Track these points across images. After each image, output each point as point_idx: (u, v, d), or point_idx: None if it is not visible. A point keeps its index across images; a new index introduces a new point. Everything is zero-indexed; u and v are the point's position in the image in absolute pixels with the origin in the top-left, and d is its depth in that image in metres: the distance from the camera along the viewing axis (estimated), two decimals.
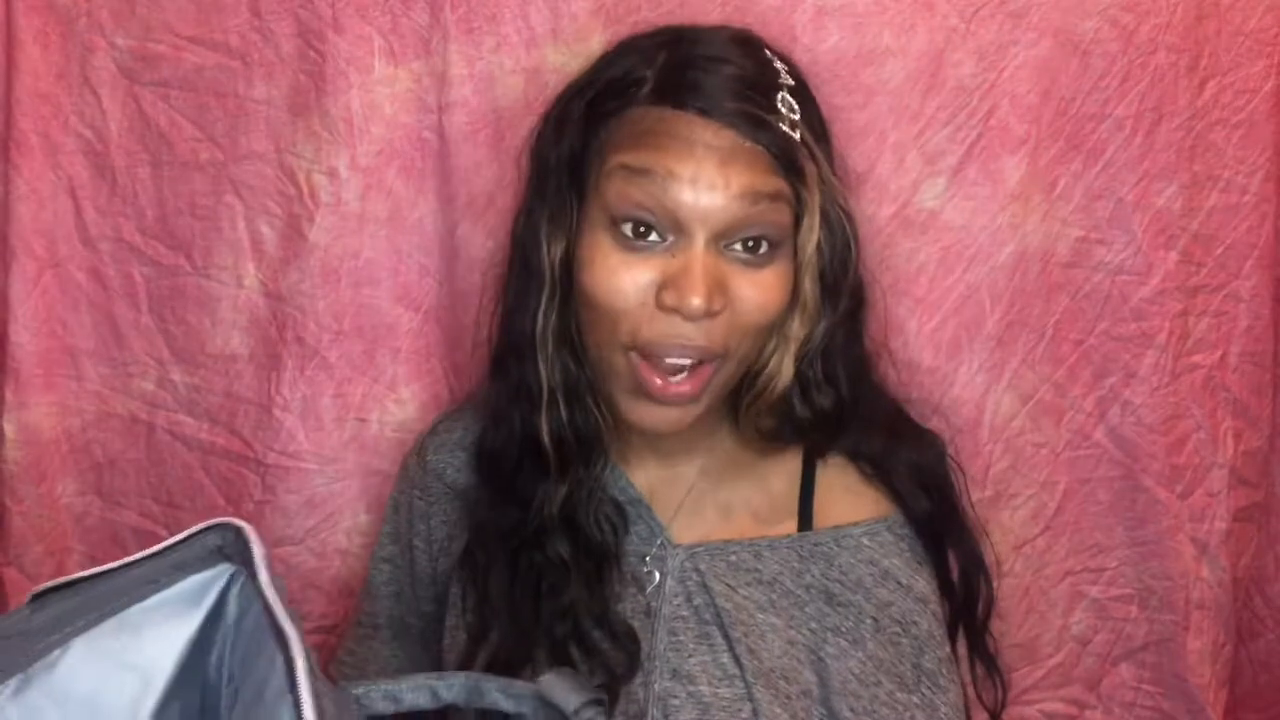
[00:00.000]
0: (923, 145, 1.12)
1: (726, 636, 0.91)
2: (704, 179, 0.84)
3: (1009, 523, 1.18)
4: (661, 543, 0.96)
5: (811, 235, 0.89)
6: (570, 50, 1.10)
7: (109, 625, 0.60)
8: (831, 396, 0.97)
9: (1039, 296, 1.15)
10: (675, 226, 0.85)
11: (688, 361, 0.87)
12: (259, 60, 1.11)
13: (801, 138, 0.88)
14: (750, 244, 0.87)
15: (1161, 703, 1.22)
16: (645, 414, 0.90)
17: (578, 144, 0.91)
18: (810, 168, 0.88)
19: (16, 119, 1.10)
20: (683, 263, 0.85)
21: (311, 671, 0.55)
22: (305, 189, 1.12)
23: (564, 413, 0.93)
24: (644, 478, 0.99)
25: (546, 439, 0.93)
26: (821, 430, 0.97)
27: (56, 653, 0.59)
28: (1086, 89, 1.13)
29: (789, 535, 0.95)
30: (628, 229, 0.86)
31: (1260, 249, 1.16)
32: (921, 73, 1.11)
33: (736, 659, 0.90)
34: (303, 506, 1.15)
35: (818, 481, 0.98)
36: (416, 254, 1.14)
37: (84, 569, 1.15)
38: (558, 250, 0.91)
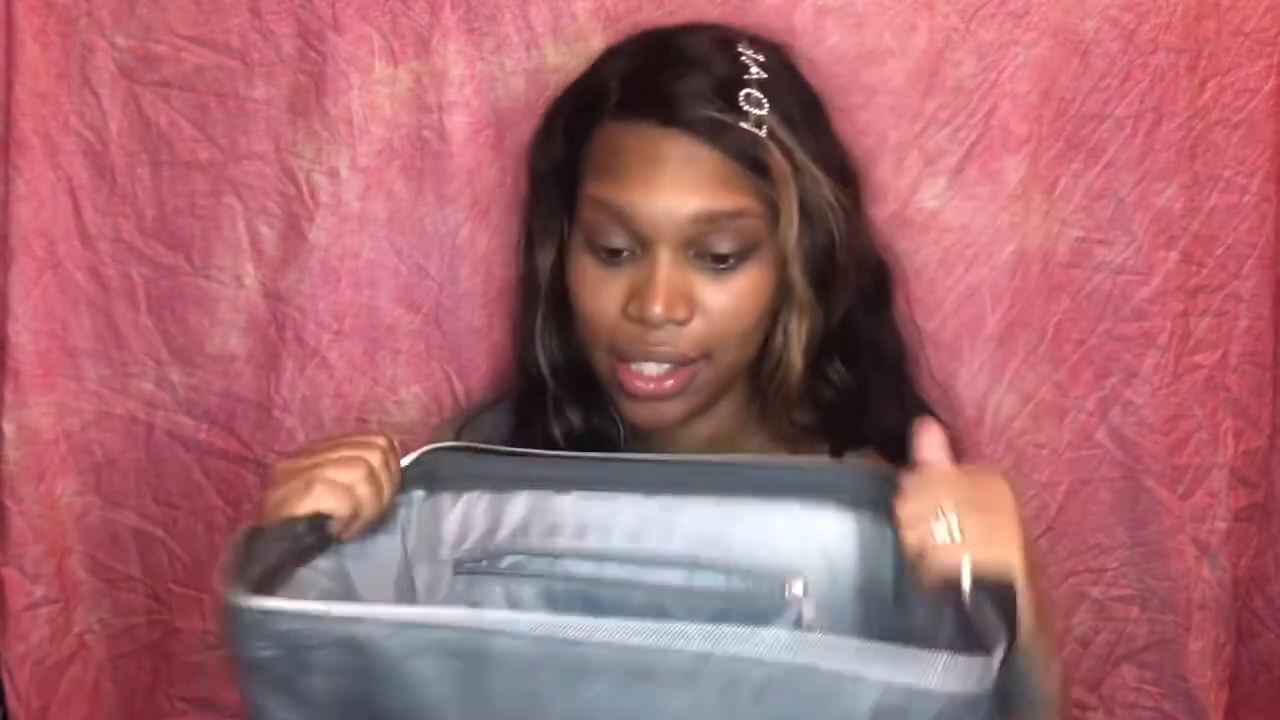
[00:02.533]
0: (923, 145, 1.12)
1: None
2: (661, 196, 0.86)
3: None
4: None
5: (790, 230, 0.89)
6: (571, 50, 1.10)
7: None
8: (851, 385, 0.98)
9: (1040, 297, 1.15)
10: (639, 240, 0.88)
11: (665, 367, 0.90)
12: (259, 60, 1.10)
13: (770, 132, 0.88)
14: (718, 256, 0.89)
15: (1162, 703, 1.22)
16: (638, 411, 0.92)
17: (560, 155, 0.95)
18: (779, 164, 0.88)
19: (16, 119, 1.10)
20: (646, 274, 0.88)
21: None
22: (305, 189, 1.12)
23: (575, 414, 0.97)
24: None
25: (560, 439, 0.96)
26: (845, 420, 0.98)
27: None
28: (1087, 89, 1.13)
29: None
30: (602, 252, 0.90)
31: (1260, 249, 1.17)
32: (921, 73, 1.11)
33: None
34: None
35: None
36: (416, 255, 1.14)
37: (85, 570, 1.17)
38: (547, 258, 0.96)
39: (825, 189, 0.92)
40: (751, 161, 0.88)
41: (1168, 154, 1.14)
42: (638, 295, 0.88)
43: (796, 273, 0.91)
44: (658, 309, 0.87)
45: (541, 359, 0.98)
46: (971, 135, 1.12)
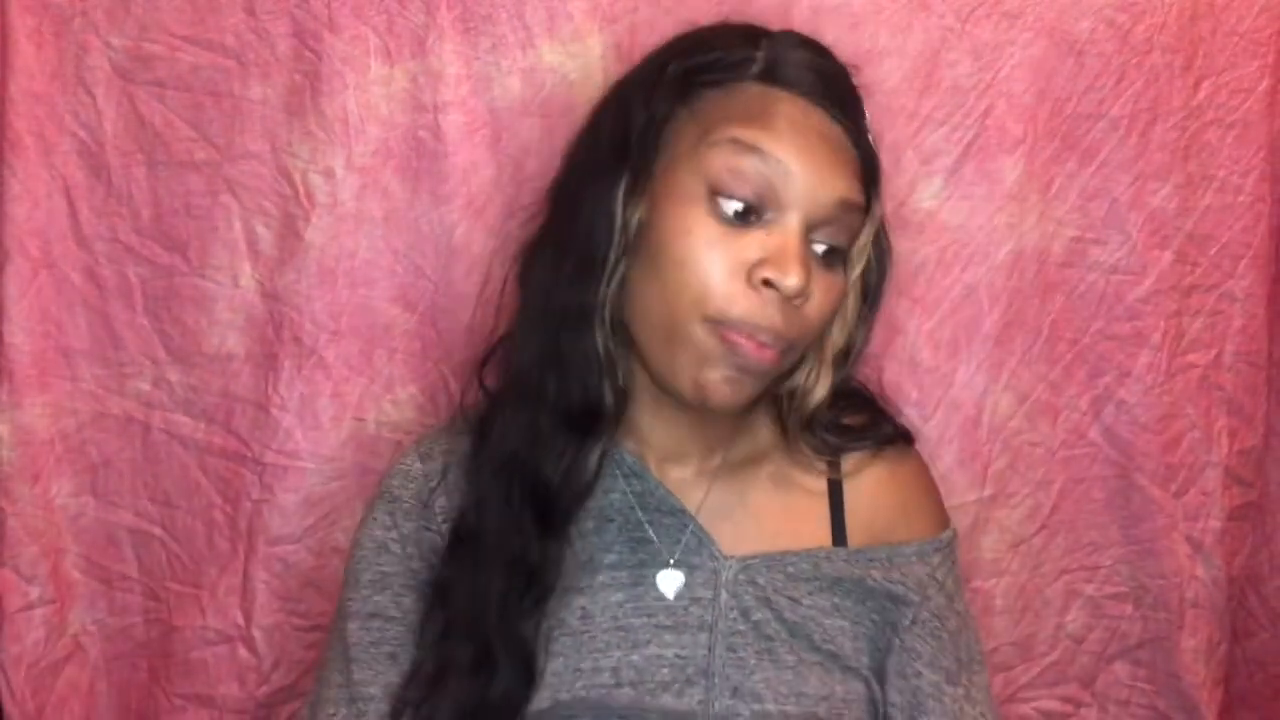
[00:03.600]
0: (919, 145, 1.13)
1: (811, 647, 0.91)
2: (814, 164, 0.84)
3: (1006, 521, 1.18)
4: (712, 553, 0.93)
5: (865, 252, 0.90)
6: (566, 50, 1.11)
7: None
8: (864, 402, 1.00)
9: (1035, 296, 1.15)
10: (776, 204, 0.84)
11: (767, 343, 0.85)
12: (255, 60, 1.10)
13: (874, 149, 0.90)
14: (831, 249, 0.87)
15: (1156, 701, 1.22)
16: (716, 381, 0.85)
17: (665, 109, 0.87)
18: (882, 182, 0.91)
19: (11, 119, 1.09)
20: (780, 240, 0.83)
21: None
22: (301, 189, 1.11)
23: (607, 383, 0.89)
24: (664, 479, 0.96)
25: (609, 400, 0.89)
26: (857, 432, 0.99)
27: None
28: (1082, 89, 1.13)
29: (845, 548, 0.95)
30: (729, 207, 0.84)
31: (1254, 249, 1.17)
32: (917, 73, 1.12)
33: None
34: (300, 505, 1.15)
35: (845, 478, 0.97)
36: (413, 254, 1.14)
37: (80, 570, 1.17)
38: (635, 216, 0.87)
39: (883, 212, 0.93)
40: (871, 171, 0.89)
41: (1162, 154, 1.15)
42: (773, 261, 0.83)
43: (853, 296, 0.92)
44: (795, 278, 0.82)
45: (599, 327, 0.88)
46: (967, 135, 1.13)
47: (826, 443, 0.97)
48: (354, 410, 1.15)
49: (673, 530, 0.93)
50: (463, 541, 0.92)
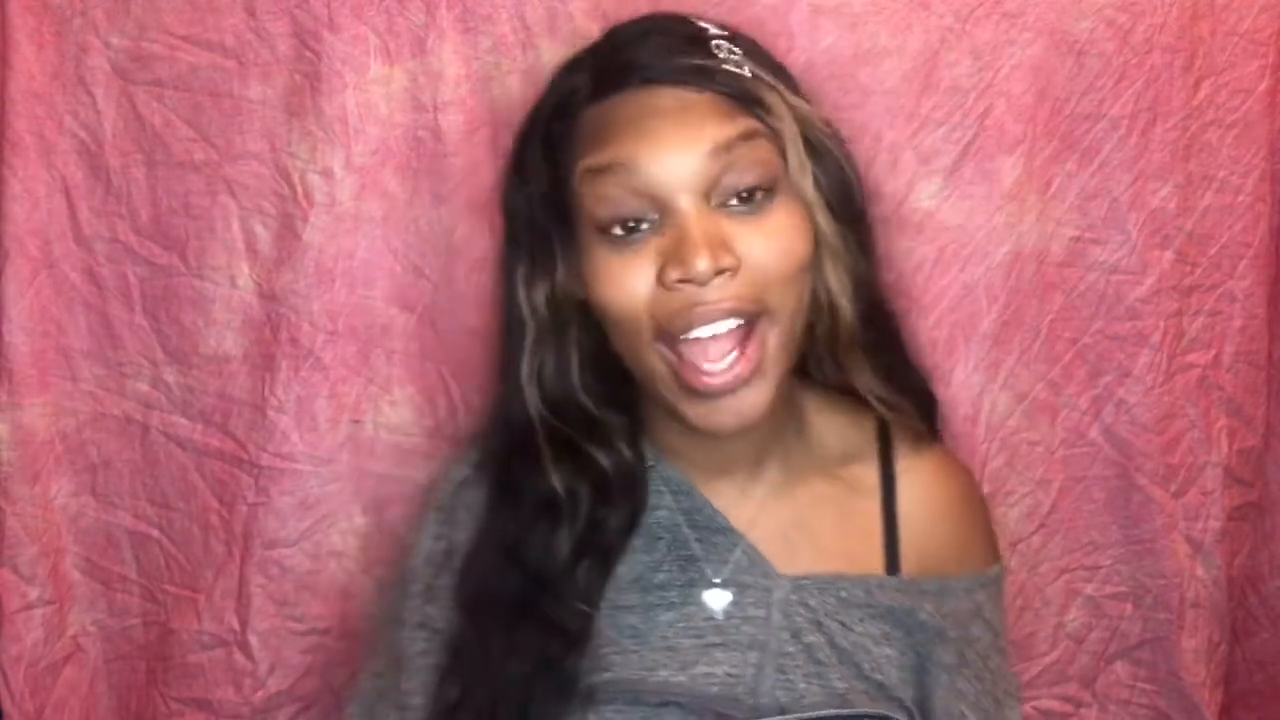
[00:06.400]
0: (918, 145, 1.13)
1: (859, 675, 0.89)
2: (665, 146, 0.80)
3: (1004, 521, 1.18)
4: (764, 571, 0.91)
5: (805, 170, 0.84)
6: (566, 50, 1.10)
7: None
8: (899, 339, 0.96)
9: (1034, 296, 1.15)
10: (655, 203, 0.81)
11: (724, 327, 0.81)
12: (254, 60, 1.10)
13: (753, 71, 0.84)
14: (744, 194, 0.82)
15: (1156, 701, 1.22)
16: (709, 414, 0.84)
17: (545, 179, 0.88)
18: (772, 97, 0.84)
19: (11, 119, 1.10)
20: (673, 235, 0.80)
21: None
22: (300, 189, 1.11)
23: (566, 460, 0.90)
24: (714, 499, 0.94)
25: (559, 487, 0.90)
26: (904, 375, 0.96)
27: None
28: (1082, 89, 1.13)
29: (898, 577, 0.93)
30: (616, 230, 0.82)
31: (1255, 249, 1.17)
32: (917, 73, 1.12)
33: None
34: (297, 508, 1.15)
35: (899, 494, 0.95)
36: (411, 255, 1.13)
37: (80, 571, 1.17)
38: (540, 294, 0.89)
39: (821, 124, 0.87)
40: (745, 95, 0.83)
41: (1162, 154, 1.14)
42: (673, 258, 0.80)
43: (821, 218, 0.85)
44: (702, 262, 0.78)
45: (531, 406, 0.90)
46: (967, 135, 1.13)
47: (873, 397, 0.92)
48: (351, 412, 1.15)
49: (722, 548, 0.91)
50: (474, 613, 0.92)
